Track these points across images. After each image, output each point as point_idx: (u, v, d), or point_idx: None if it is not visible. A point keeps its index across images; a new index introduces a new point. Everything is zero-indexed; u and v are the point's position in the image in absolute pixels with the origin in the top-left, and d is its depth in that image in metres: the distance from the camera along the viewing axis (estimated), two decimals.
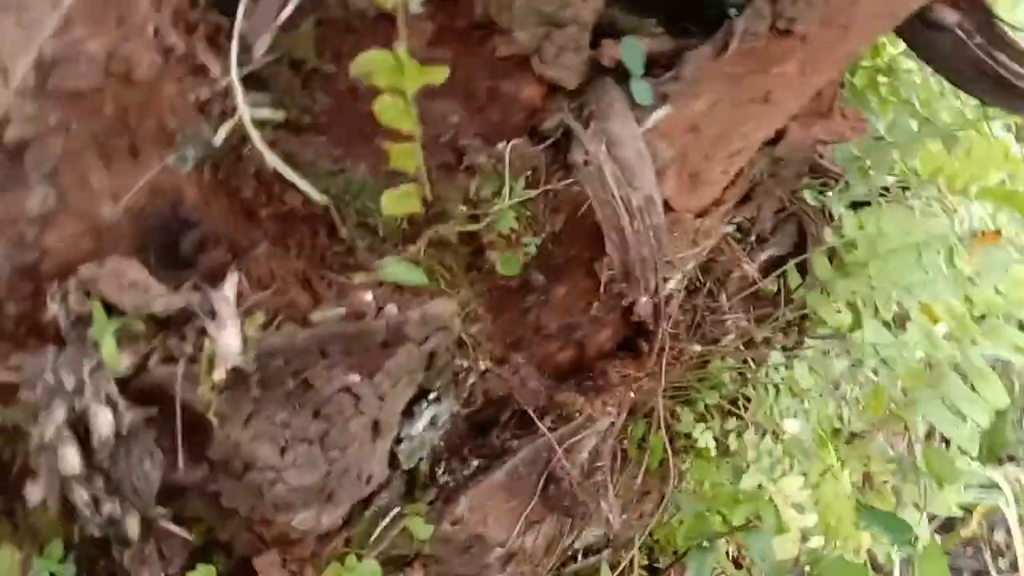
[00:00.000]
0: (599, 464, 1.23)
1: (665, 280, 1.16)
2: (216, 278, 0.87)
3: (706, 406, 1.25)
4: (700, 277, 1.24)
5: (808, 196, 1.23)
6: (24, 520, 1.07)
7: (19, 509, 1.08)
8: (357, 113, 0.95)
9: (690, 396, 1.27)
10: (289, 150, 0.92)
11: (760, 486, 1.20)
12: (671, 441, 1.25)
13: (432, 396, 1.06)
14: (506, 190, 0.94)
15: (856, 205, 1.29)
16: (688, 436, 1.28)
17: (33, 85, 0.70)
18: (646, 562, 1.64)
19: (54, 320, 0.82)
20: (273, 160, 0.74)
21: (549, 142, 0.98)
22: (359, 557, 1.00)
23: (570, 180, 0.95)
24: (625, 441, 1.27)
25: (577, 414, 1.17)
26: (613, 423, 1.23)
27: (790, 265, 1.26)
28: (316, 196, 0.76)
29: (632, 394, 1.24)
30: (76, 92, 0.72)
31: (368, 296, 0.95)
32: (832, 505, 1.18)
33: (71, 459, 0.79)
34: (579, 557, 1.45)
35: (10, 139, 0.70)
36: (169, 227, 0.89)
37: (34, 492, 0.82)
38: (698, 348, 1.25)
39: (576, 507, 1.16)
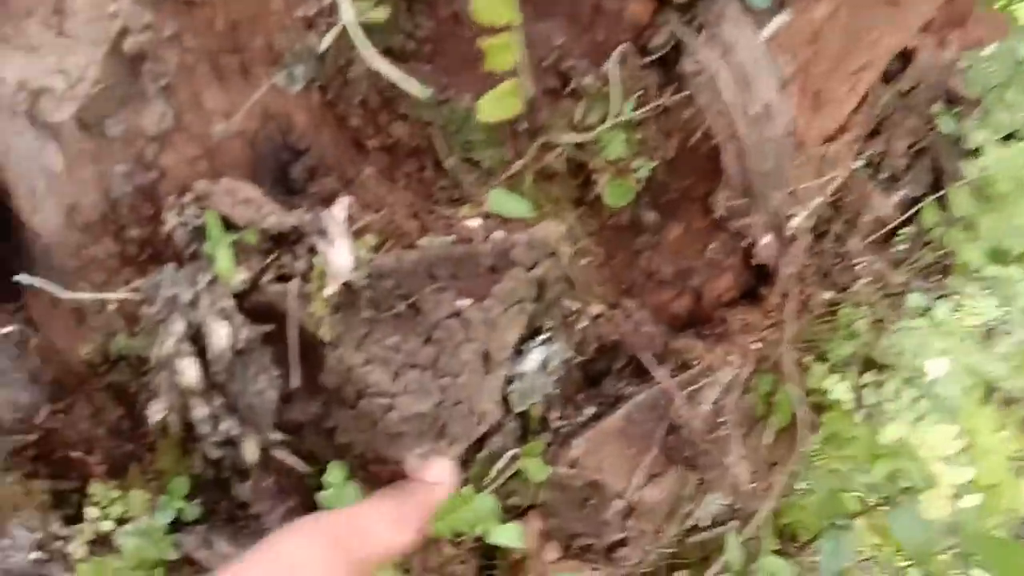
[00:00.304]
0: (723, 419, 1.16)
1: (789, 217, 1.09)
2: (326, 205, 0.88)
3: (839, 357, 1.16)
4: (828, 217, 1.16)
5: (943, 125, 1.13)
6: (150, 464, 1.10)
7: (146, 454, 1.12)
8: (461, 40, 0.94)
9: (821, 347, 1.18)
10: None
11: (902, 440, 1.10)
12: (802, 395, 1.16)
13: (543, 336, 1.03)
14: (614, 109, 0.90)
15: (998, 137, 1.17)
16: (819, 391, 1.19)
17: None
18: (776, 548, 1.53)
19: (172, 242, 0.84)
20: (375, 60, 0.74)
21: (658, 59, 0.94)
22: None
23: (682, 94, 0.90)
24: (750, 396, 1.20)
25: (695, 362, 1.11)
26: (737, 375, 1.16)
27: (927, 203, 1.16)
28: (417, 90, 0.75)
29: (756, 345, 1.17)
30: (189, 2, 0.74)
31: (475, 222, 0.93)
32: (989, 456, 1.06)
33: (190, 372, 0.80)
34: (701, 529, 1.37)
35: (129, 48, 0.73)
36: (279, 154, 0.90)
37: (155, 409, 0.84)
38: (828, 295, 1.17)
39: (700, 459, 1.09)
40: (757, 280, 1.20)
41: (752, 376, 1.19)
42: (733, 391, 1.17)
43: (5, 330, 0.94)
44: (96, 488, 1.07)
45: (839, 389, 1.13)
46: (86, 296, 0.83)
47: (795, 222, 1.10)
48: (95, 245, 0.89)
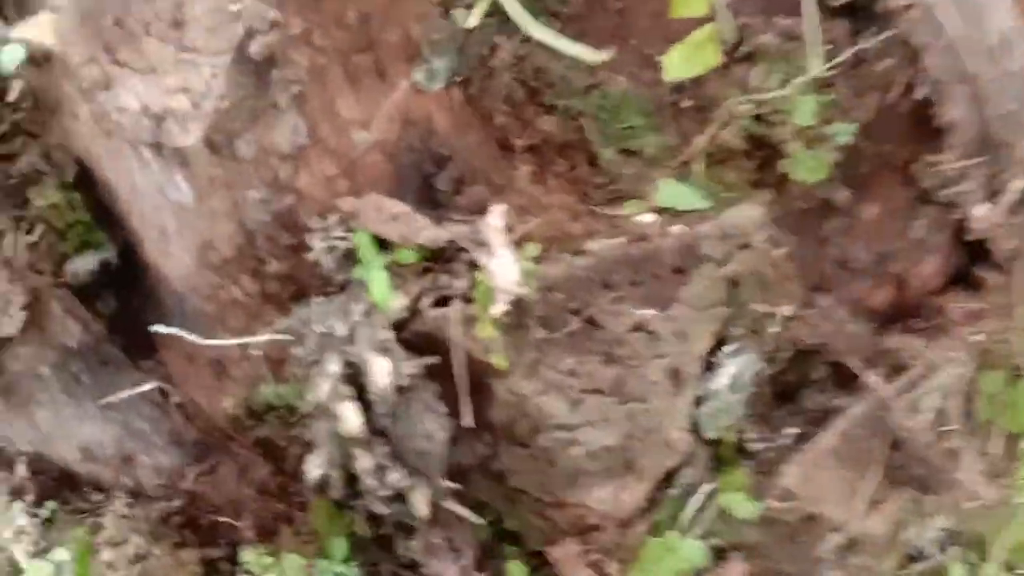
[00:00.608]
0: (949, 428, 0.98)
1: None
2: (478, 216, 0.77)
3: None
4: None
5: None
6: (303, 524, 1.01)
7: (298, 514, 1.02)
8: (609, 14, 0.83)
9: None
10: (537, 64, 0.81)
11: None
12: None
13: (733, 346, 0.88)
14: (812, 65, 0.76)
15: None
16: None
17: None
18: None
19: (317, 275, 0.75)
20: (533, 27, 0.62)
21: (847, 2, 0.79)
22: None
23: (883, 37, 0.75)
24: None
25: (913, 362, 0.94)
26: (961, 374, 0.98)
27: None
28: (590, 55, 0.63)
29: (977, 337, 0.98)
30: None
31: (648, 218, 0.80)
32: None
33: (351, 418, 0.69)
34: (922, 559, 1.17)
35: (256, 52, 0.64)
36: (422, 164, 0.80)
37: (314, 465, 0.74)
38: None
39: (932, 477, 0.91)
40: (970, 260, 1.01)
41: (976, 375, 1.00)
42: (957, 394, 0.99)
43: (143, 388, 0.86)
44: (248, 555, 0.98)
45: None
46: (227, 343, 0.74)
47: (1017, 184, 0.92)
48: (233, 285, 0.80)
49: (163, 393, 1.01)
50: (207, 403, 0.98)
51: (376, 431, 0.72)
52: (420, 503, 0.75)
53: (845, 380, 0.97)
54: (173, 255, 0.85)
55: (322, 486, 0.76)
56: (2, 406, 1.02)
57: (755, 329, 0.92)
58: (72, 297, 0.96)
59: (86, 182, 0.88)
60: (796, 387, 0.99)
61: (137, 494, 1.09)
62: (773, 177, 0.89)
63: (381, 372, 0.69)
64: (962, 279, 1.03)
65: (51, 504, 1.04)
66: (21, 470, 1.09)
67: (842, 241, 0.97)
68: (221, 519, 1.06)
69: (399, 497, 0.75)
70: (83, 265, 0.90)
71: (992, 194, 0.92)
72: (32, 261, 0.90)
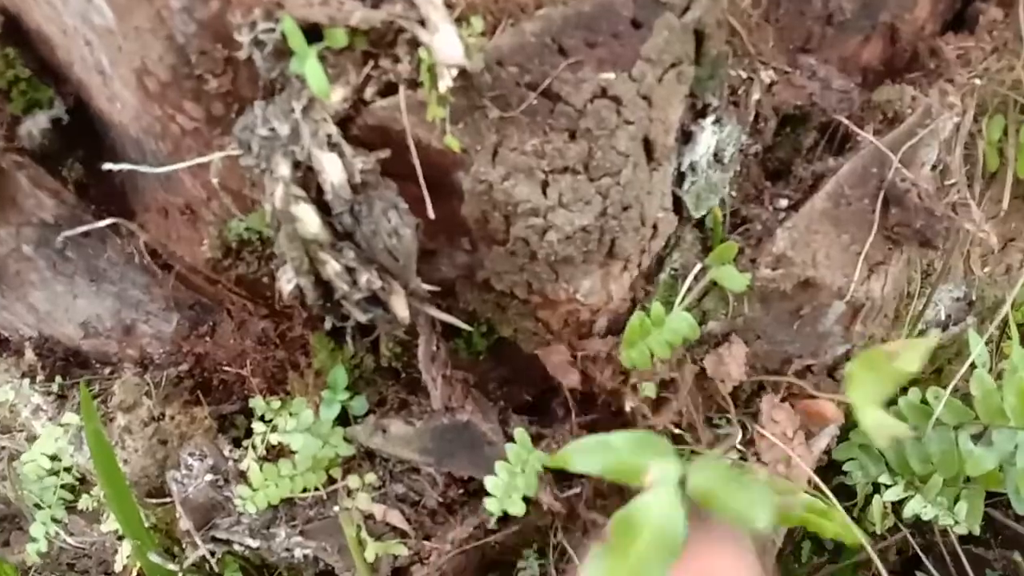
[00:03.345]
0: (950, 182, 0.93)
1: None
2: None
3: None
4: None
5: None
6: (308, 367, 1.01)
7: (301, 359, 1.02)
8: None
9: None
10: None
11: None
12: None
13: (711, 116, 0.84)
14: None
15: None
16: None
17: None
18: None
19: (258, 81, 0.71)
20: None
21: None
22: (668, 307, 0.81)
23: None
24: (979, 148, 0.96)
25: (908, 111, 0.88)
26: (958, 123, 0.92)
27: None
28: None
29: (977, 80, 0.92)
30: None
31: None
32: None
33: (309, 217, 0.67)
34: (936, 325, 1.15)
35: None
36: None
37: (286, 278, 0.72)
38: None
39: (935, 229, 0.87)
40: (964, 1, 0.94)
41: (978, 121, 0.95)
42: (956, 145, 0.94)
43: (104, 223, 0.85)
44: (256, 402, 0.99)
45: None
46: (173, 167, 0.72)
47: None
48: (179, 114, 0.77)
49: (153, 254, 0.99)
50: (189, 255, 0.97)
51: (342, 236, 0.70)
52: (399, 305, 0.74)
53: (841, 141, 0.93)
54: (118, 95, 0.82)
55: (302, 301, 0.75)
56: None
57: (734, 100, 0.87)
58: (36, 166, 0.93)
59: (17, 36, 0.84)
60: (785, 164, 0.95)
61: (144, 363, 1.10)
62: None
63: (332, 168, 0.66)
64: (959, 21, 0.96)
65: (59, 380, 1.06)
66: (29, 354, 1.10)
67: None
68: (229, 375, 1.07)
69: (379, 302, 0.74)
70: (35, 125, 0.87)
71: None
72: None
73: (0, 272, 1.04)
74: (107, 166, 0.75)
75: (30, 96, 0.87)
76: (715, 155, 0.87)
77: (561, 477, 0.94)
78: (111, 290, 1.06)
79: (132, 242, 0.99)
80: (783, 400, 0.97)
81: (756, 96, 0.88)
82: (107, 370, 1.10)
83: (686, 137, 0.82)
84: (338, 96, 0.67)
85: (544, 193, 0.73)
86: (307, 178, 0.69)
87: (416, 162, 0.68)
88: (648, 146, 0.76)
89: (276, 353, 1.02)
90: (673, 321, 0.78)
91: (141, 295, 1.06)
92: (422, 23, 0.67)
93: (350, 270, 0.71)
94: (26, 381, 1.05)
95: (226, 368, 1.05)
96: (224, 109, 0.76)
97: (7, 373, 1.08)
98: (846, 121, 0.87)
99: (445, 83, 0.66)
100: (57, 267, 1.03)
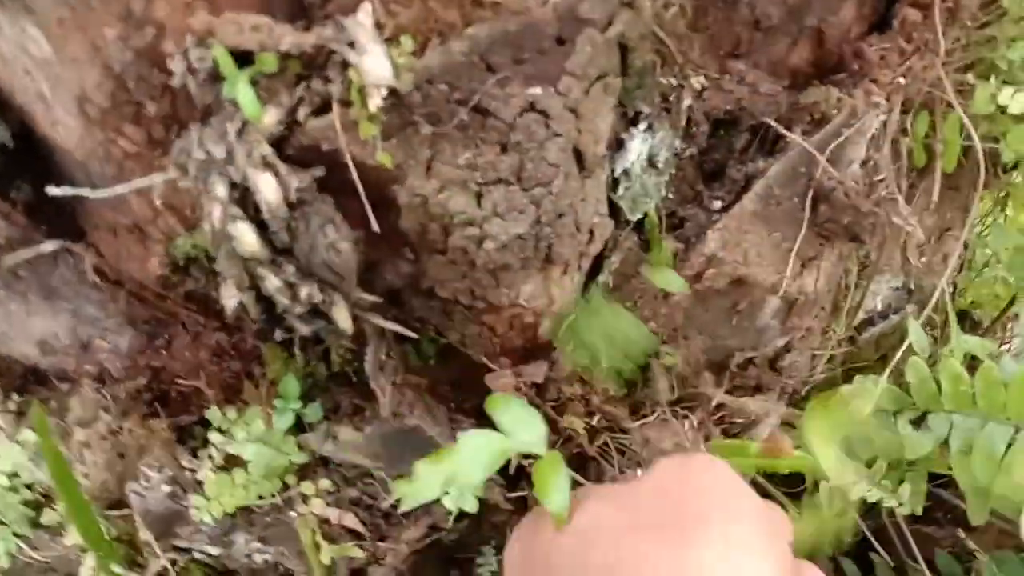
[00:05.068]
0: (878, 178, 0.97)
1: None
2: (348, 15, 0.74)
3: (1011, 63, 0.93)
4: None
5: None
6: (262, 377, 1.03)
7: (256, 369, 1.04)
8: None
9: (983, 58, 0.95)
10: None
11: None
12: (969, 124, 0.95)
13: (642, 124, 0.87)
14: None
15: None
16: (991, 118, 0.97)
17: None
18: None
19: (194, 104, 0.73)
20: None
21: None
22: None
23: None
24: (906, 143, 0.99)
25: (834, 112, 0.92)
26: (884, 121, 0.96)
27: None
28: None
29: (902, 79, 0.96)
30: None
31: None
32: None
33: (246, 236, 0.69)
34: (874, 321, 1.19)
35: None
36: None
37: (228, 295, 0.74)
38: None
39: (862, 223, 0.90)
40: (889, 2, 0.98)
41: (904, 119, 0.99)
42: (883, 142, 0.97)
43: (49, 246, 0.86)
44: (213, 414, 1.01)
45: (1019, 102, 0.91)
46: (114, 191, 0.73)
47: None
48: (120, 137, 0.79)
49: (100, 273, 1.01)
50: (140, 272, 0.98)
51: (281, 251, 0.72)
52: (342, 316, 0.76)
53: (770, 146, 0.96)
54: (60, 121, 0.83)
55: (247, 316, 0.77)
56: None
57: (666, 107, 0.90)
58: None
59: None
60: (721, 165, 0.98)
61: (103, 378, 1.11)
62: None
63: (267, 188, 0.68)
64: (885, 24, 0.99)
65: (16, 398, 1.07)
66: None
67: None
68: (186, 387, 1.08)
69: (321, 314, 0.76)
70: None
71: None
72: None
73: None
74: (51, 191, 0.76)
75: None
76: (649, 160, 0.89)
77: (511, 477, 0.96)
78: (66, 307, 1.07)
79: (79, 262, 1.00)
80: (728, 392, 1.01)
81: (687, 102, 0.90)
82: (66, 386, 1.11)
83: (619, 144, 0.85)
84: (271, 118, 0.69)
85: (479, 204, 0.76)
86: (244, 198, 0.71)
87: (356, 178, 0.70)
88: (579, 156, 0.79)
89: (231, 364, 1.04)
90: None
91: (96, 312, 1.07)
92: (352, 45, 0.69)
93: (290, 285, 0.73)
94: None
95: (183, 380, 1.06)
96: (164, 132, 0.77)
97: None
98: (774, 124, 0.90)
99: (375, 102, 0.68)
100: (11, 287, 1.04)
